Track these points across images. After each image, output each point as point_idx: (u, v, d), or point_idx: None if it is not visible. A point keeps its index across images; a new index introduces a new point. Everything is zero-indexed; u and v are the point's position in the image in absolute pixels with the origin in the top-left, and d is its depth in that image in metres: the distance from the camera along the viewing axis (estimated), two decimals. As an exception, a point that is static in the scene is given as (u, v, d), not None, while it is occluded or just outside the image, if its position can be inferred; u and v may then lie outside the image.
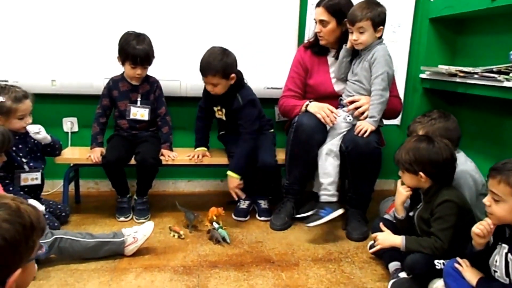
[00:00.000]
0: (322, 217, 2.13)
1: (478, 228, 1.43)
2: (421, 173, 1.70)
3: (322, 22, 2.27)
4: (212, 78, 2.21)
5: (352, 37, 2.14)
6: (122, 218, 2.33)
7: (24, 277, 1.00)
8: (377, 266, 1.94)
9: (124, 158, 2.30)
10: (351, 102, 2.19)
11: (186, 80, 2.59)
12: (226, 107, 2.38)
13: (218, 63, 2.18)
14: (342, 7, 2.22)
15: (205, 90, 2.41)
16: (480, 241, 1.44)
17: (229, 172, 2.28)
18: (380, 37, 2.16)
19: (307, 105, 2.24)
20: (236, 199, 2.34)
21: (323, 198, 2.19)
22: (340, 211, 2.16)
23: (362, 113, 2.15)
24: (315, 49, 2.39)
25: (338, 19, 2.24)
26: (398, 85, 2.51)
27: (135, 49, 2.24)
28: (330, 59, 2.39)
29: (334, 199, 2.19)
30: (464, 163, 1.90)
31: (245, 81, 2.40)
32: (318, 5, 2.28)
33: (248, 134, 2.32)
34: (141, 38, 2.28)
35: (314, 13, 2.32)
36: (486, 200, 1.42)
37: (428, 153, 1.69)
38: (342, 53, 2.27)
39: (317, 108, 2.20)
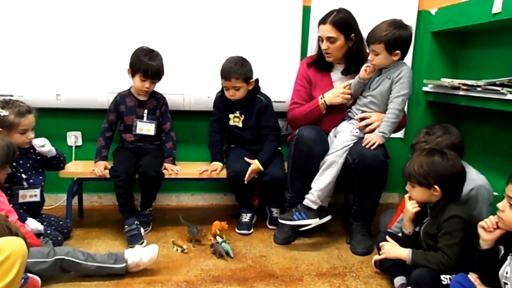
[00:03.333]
0: (293, 220, 2.18)
1: (485, 222, 1.46)
2: (435, 186, 1.68)
3: (329, 39, 2.24)
4: (235, 81, 2.32)
5: (369, 57, 2.14)
6: (137, 246, 2.14)
7: None
8: (382, 281, 1.91)
9: (133, 172, 2.29)
10: (362, 119, 2.19)
11: (189, 94, 2.60)
12: (247, 111, 2.44)
13: (240, 68, 2.32)
14: (348, 21, 2.21)
15: (218, 101, 2.47)
16: (486, 236, 1.45)
17: (256, 162, 2.35)
18: (401, 59, 2.13)
19: (323, 101, 2.28)
20: (245, 180, 2.33)
21: (305, 202, 2.19)
22: (312, 221, 2.17)
23: (373, 130, 2.14)
24: (320, 66, 2.39)
25: (346, 34, 2.23)
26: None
27: (147, 64, 2.28)
28: (334, 75, 2.39)
29: (314, 206, 2.18)
30: (478, 178, 1.87)
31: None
32: (323, 22, 2.25)
33: (274, 133, 2.47)
34: (154, 54, 2.33)
35: (319, 30, 2.29)
36: (500, 205, 1.42)
37: (443, 166, 1.67)
38: (357, 84, 2.23)
39: (333, 96, 2.28)
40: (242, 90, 2.36)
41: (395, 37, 2.04)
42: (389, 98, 2.13)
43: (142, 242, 2.17)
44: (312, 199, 2.18)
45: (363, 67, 2.18)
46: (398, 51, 2.08)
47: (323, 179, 2.16)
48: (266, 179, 2.35)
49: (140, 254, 1.88)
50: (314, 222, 2.18)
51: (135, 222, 2.23)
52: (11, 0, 2.41)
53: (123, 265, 1.83)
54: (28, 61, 2.47)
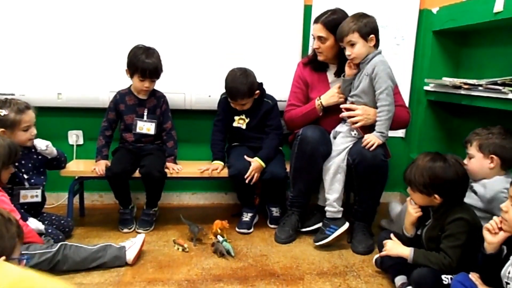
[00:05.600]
0: (328, 236, 2.20)
1: (490, 224, 1.45)
2: (435, 195, 1.67)
3: (320, 39, 2.26)
4: (241, 100, 2.35)
5: (346, 53, 2.14)
6: (125, 230, 2.34)
7: None
8: (383, 280, 1.91)
9: (129, 171, 2.31)
10: (347, 109, 2.19)
11: (190, 93, 2.60)
12: (253, 114, 2.46)
13: (244, 87, 2.31)
14: (340, 22, 2.19)
15: (223, 102, 2.48)
16: (491, 239, 1.44)
17: (257, 159, 2.36)
18: (376, 47, 2.14)
19: (320, 103, 2.29)
20: (248, 180, 2.33)
21: (329, 215, 2.21)
22: (344, 227, 2.20)
23: (355, 122, 2.14)
24: (314, 64, 2.39)
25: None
26: (403, 97, 2.47)
27: (144, 63, 2.27)
28: (330, 76, 2.39)
29: (339, 215, 2.21)
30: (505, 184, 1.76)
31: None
32: (316, 21, 2.28)
33: (276, 132, 2.48)
34: (150, 51, 2.31)
35: (312, 28, 2.33)
36: (504, 206, 1.42)
37: (444, 173, 1.65)
38: (342, 83, 2.25)
39: (329, 96, 2.29)
40: (248, 104, 2.40)
41: (364, 24, 2.09)
42: (375, 95, 2.12)
43: (131, 227, 2.36)
44: (334, 210, 2.20)
45: (347, 64, 2.19)
46: (372, 35, 2.10)
47: (336, 188, 2.18)
48: (266, 176, 2.35)
49: (131, 239, 2.03)
50: (346, 226, 2.21)
51: (130, 206, 2.41)
52: (12, 0, 2.41)
53: (123, 244, 1.97)
54: (30, 60, 2.48)
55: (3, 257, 1.19)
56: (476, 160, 1.84)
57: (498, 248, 1.45)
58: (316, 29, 2.27)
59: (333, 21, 2.22)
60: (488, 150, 1.82)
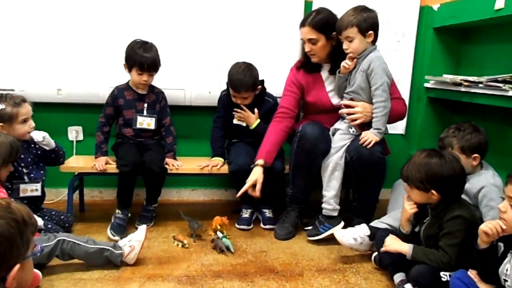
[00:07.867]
0: (321, 233, 2.21)
1: (487, 227, 1.43)
2: (433, 191, 1.67)
3: (311, 41, 2.24)
4: (245, 93, 2.35)
5: (344, 46, 2.13)
6: (116, 237, 2.16)
7: (23, 275, 1.07)
8: (382, 277, 1.92)
9: (140, 163, 2.28)
10: (347, 106, 2.18)
11: (190, 89, 2.60)
12: (253, 112, 2.45)
13: (249, 79, 2.31)
14: (327, 20, 2.19)
15: (224, 99, 2.48)
16: (486, 239, 1.44)
17: (258, 120, 2.45)
18: (373, 43, 2.13)
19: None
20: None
21: (325, 212, 2.22)
22: (339, 226, 2.20)
23: (354, 120, 2.14)
24: (308, 67, 2.37)
25: (327, 34, 2.20)
26: (403, 94, 2.44)
27: (142, 56, 2.26)
28: (324, 74, 2.37)
29: (335, 213, 2.22)
30: (492, 178, 1.85)
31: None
32: (302, 24, 2.25)
33: None
34: (148, 45, 2.31)
35: (300, 33, 2.28)
36: (502, 206, 1.41)
37: (441, 169, 1.65)
38: (338, 80, 2.24)
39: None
40: (250, 98, 2.39)
41: (364, 18, 2.07)
42: (370, 91, 2.12)
43: (122, 238, 2.08)
44: (330, 207, 2.20)
45: (343, 63, 2.17)
46: (371, 32, 2.08)
47: (333, 185, 2.18)
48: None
49: (130, 237, 1.96)
50: (341, 225, 2.21)
51: (128, 214, 2.30)
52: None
53: (120, 251, 1.89)
54: (30, 55, 2.47)
55: (17, 266, 1.09)
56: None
57: (490, 243, 1.45)
58: (305, 32, 2.24)
59: (320, 21, 2.20)
60: (470, 150, 1.87)
